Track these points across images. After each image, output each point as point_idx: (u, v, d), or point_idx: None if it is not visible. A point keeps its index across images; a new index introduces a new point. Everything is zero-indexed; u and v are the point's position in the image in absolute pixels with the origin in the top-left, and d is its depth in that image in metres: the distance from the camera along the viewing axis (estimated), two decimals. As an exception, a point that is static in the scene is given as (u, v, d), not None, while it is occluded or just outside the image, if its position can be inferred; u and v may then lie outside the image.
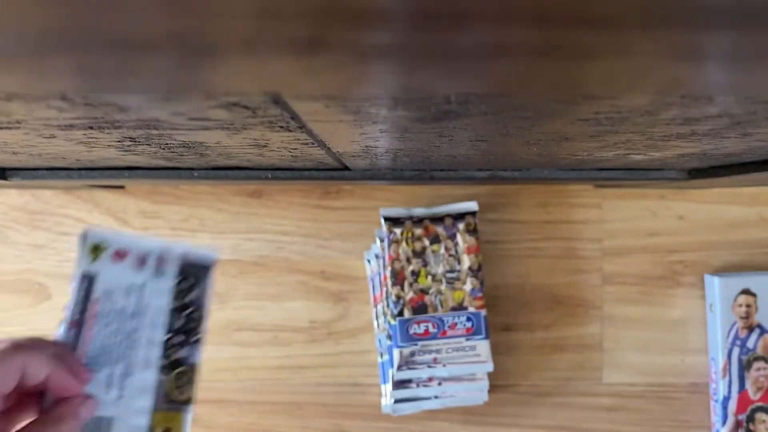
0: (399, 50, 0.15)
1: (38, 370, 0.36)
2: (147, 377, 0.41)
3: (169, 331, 0.43)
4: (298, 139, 0.31)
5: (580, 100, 0.22)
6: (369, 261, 0.69)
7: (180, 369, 0.42)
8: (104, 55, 0.15)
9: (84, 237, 0.41)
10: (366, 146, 0.35)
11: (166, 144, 0.33)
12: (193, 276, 0.44)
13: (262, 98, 0.21)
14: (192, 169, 0.49)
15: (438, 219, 0.65)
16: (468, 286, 0.64)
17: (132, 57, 0.16)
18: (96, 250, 0.42)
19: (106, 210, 0.70)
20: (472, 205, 0.66)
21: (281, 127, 0.27)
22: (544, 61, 0.16)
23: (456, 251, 0.65)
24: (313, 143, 0.33)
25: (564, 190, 0.71)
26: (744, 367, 0.68)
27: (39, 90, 0.19)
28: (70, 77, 0.18)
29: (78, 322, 0.41)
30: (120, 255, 0.42)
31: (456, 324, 0.64)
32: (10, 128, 0.27)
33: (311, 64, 0.16)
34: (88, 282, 0.42)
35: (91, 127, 0.27)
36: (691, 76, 0.18)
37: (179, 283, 0.44)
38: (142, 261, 0.43)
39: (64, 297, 0.70)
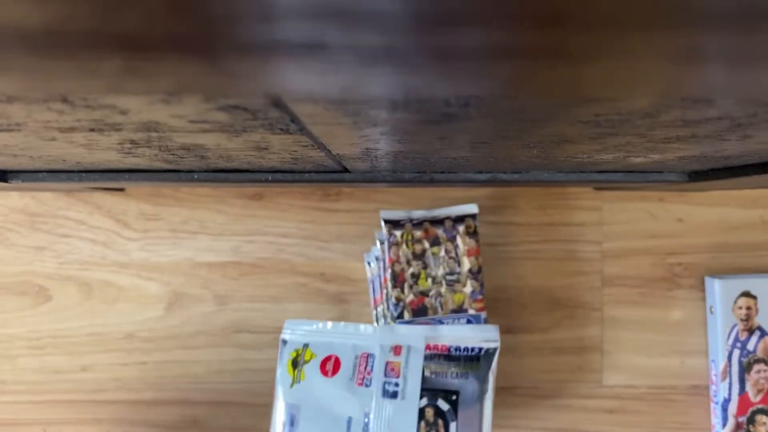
0: (399, 52, 0.15)
1: None
2: None
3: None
4: (298, 142, 0.31)
5: (579, 103, 0.22)
6: (369, 263, 0.69)
7: None
8: (104, 56, 0.15)
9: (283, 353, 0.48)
10: (366, 148, 0.35)
11: (166, 146, 0.33)
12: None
13: (262, 101, 0.21)
14: (192, 171, 0.49)
15: (438, 221, 0.65)
16: (468, 289, 0.64)
17: (132, 58, 0.16)
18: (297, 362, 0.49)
19: (106, 212, 0.70)
20: (472, 208, 0.66)
21: (281, 129, 0.27)
22: (544, 63, 0.16)
23: (456, 253, 0.65)
24: (313, 146, 0.33)
25: (564, 193, 0.71)
26: (744, 369, 0.68)
27: (39, 92, 0.19)
28: (70, 79, 0.18)
29: None
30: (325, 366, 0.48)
31: (456, 326, 0.64)
32: (10, 131, 0.27)
33: (311, 66, 0.16)
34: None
35: (92, 130, 0.27)
36: (692, 79, 0.18)
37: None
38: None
39: (64, 299, 0.70)
